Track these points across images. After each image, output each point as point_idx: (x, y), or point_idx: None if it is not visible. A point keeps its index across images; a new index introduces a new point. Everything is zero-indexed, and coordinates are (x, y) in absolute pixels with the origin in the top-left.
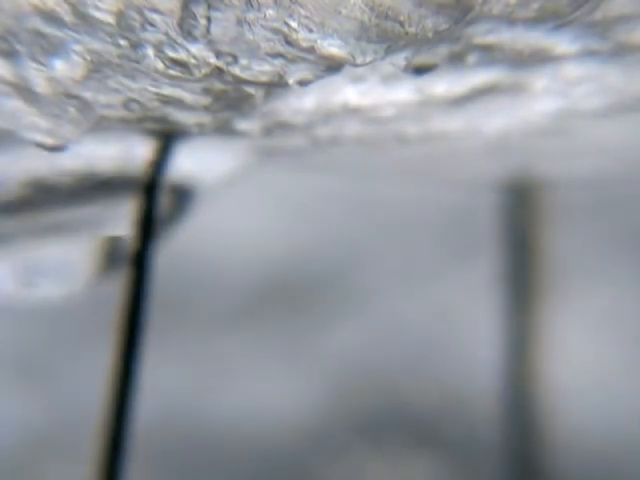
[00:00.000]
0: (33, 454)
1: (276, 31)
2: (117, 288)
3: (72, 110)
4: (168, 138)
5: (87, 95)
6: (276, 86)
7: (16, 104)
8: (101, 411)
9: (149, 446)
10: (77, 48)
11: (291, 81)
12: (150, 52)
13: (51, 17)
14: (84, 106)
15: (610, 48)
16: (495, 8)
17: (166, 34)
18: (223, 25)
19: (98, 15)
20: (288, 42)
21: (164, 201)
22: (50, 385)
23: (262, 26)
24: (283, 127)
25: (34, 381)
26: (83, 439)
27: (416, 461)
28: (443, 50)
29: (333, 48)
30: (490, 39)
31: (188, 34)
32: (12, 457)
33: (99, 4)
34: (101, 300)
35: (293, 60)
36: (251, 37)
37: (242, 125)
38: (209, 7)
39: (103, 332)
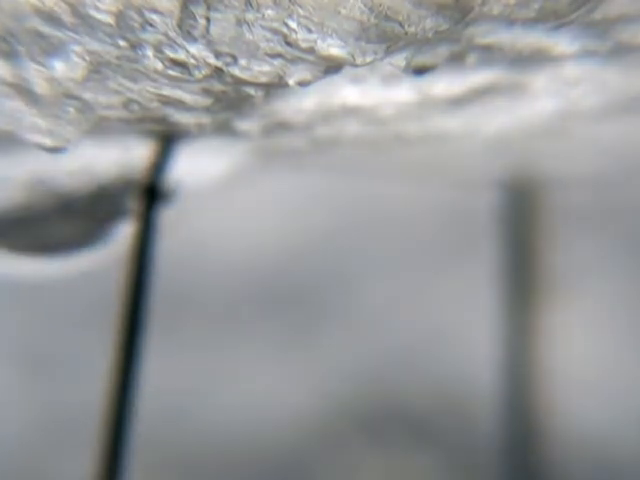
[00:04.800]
0: (33, 452)
1: (275, 31)
2: (118, 289)
3: (72, 111)
4: (168, 140)
5: (87, 96)
6: (276, 87)
7: (16, 105)
8: (101, 410)
9: (148, 445)
10: (77, 49)
11: (291, 82)
12: (149, 53)
13: (50, 17)
14: (84, 107)
15: (610, 48)
16: (495, 8)
17: (165, 34)
18: (222, 25)
19: (97, 15)
20: (287, 42)
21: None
22: (49, 384)
23: (261, 26)
24: (283, 127)
25: (33, 380)
26: (83, 437)
27: (415, 458)
28: (443, 50)
29: (333, 48)
30: (490, 39)
31: (187, 34)
32: (12, 454)
33: (98, 4)
34: (101, 300)
35: (293, 60)
36: (250, 37)
37: (242, 125)
38: (208, 7)
39: (103, 331)
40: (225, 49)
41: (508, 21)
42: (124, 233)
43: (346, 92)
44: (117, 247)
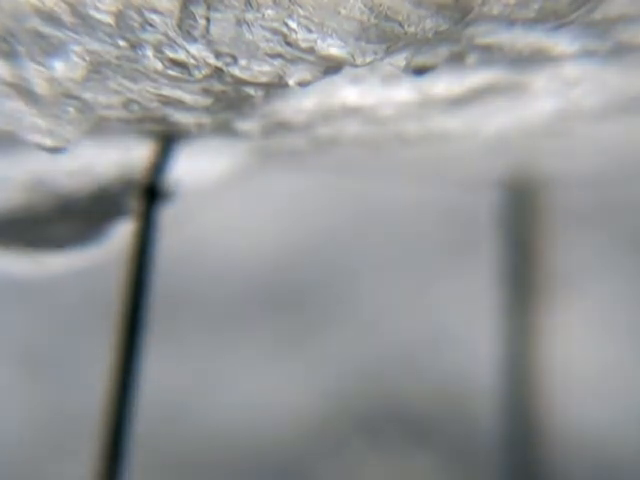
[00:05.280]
0: (34, 453)
1: (275, 31)
2: (118, 288)
3: (72, 111)
4: (168, 140)
5: (87, 96)
6: (276, 87)
7: (16, 105)
8: (101, 410)
9: (148, 444)
10: (76, 49)
11: (291, 82)
12: (149, 53)
13: (50, 18)
14: (84, 107)
15: (609, 48)
16: (495, 8)
17: (165, 34)
18: (222, 25)
19: (97, 15)
20: (287, 42)
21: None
22: (48, 383)
23: (261, 26)
24: (283, 127)
25: (32, 378)
26: (84, 437)
27: (415, 458)
28: (443, 50)
29: (332, 48)
30: (490, 39)
31: (187, 34)
32: (13, 455)
33: (98, 4)
34: (101, 300)
35: (292, 60)
36: (250, 37)
37: (242, 125)
38: (208, 7)
39: (103, 331)
40: (225, 49)
41: (508, 21)
42: (124, 233)
43: (346, 92)
44: (117, 247)
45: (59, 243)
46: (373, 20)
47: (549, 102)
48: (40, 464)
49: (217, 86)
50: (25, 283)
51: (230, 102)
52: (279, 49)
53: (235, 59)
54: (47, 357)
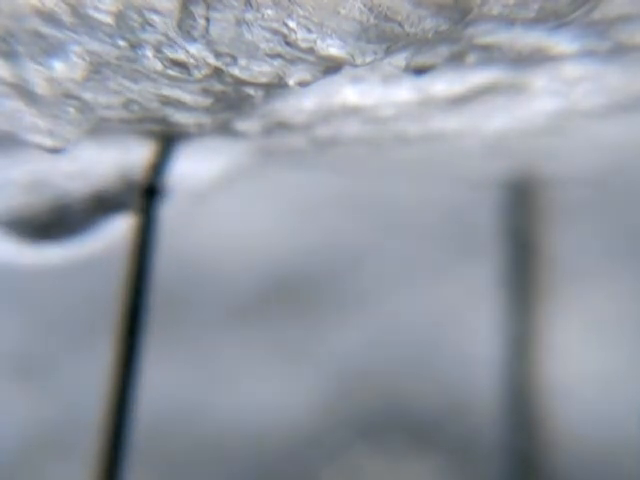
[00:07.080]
0: (33, 454)
1: (275, 32)
2: (117, 289)
3: (72, 111)
4: (168, 140)
5: (87, 96)
6: (276, 87)
7: (16, 105)
8: (101, 411)
9: (148, 446)
10: (76, 49)
11: (291, 82)
12: (149, 53)
13: (50, 18)
14: (84, 107)
15: (609, 48)
16: (494, 8)
17: (165, 34)
18: (222, 25)
19: (97, 16)
20: (287, 43)
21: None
22: (50, 385)
23: (261, 26)
24: (283, 127)
25: (34, 381)
26: (83, 438)
27: (416, 461)
28: (443, 50)
29: (332, 48)
30: (490, 39)
31: (187, 34)
32: (12, 457)
33: (98, 4)
34: (101, 300)
35: (292, 61)
36: (250, 37)
37: (242, 125)
38: (208, 7)
39: (103, 332)
40: (225, 49)
41: (508, 21)
42: (124, 233)
43: (346, 92)
44: (117, 247)
45: (59, 243)
46: (373, 20)
47: (549, 102)
48: (40, 465)
49: (217, 86)
50: (25, 282)
51: (230, 102)
52: (279, 49)
53: (235, 59)
54: (46, 356)
